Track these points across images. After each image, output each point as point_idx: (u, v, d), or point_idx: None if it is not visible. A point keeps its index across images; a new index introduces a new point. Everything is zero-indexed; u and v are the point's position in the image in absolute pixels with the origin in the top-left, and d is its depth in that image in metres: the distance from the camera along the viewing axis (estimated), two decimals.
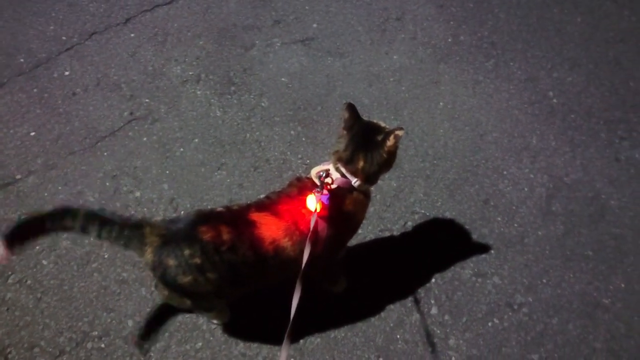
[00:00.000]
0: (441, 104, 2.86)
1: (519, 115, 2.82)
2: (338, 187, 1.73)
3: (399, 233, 2.35)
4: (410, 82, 2.95)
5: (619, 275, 2.25)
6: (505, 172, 2.58)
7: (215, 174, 2.52)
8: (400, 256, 2.28)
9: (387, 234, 2.34)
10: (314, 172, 1.79)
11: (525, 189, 2.52)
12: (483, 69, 3.05)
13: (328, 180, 1.73)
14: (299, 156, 2.59)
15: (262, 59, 3.03)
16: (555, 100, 2.89)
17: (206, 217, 1.65)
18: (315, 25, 3.24)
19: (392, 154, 1.77)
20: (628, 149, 2.67)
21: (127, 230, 1.56)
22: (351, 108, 1.73)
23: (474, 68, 3.05)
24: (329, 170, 1.76)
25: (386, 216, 2.39)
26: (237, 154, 2.59)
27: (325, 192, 1.69)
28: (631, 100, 2.86)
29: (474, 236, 2.36)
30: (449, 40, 3.20)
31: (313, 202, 1.67)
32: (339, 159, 1.74)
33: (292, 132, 2.69)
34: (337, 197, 1.73)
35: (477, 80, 2.99)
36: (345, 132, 1.76)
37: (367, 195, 1.84)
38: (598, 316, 2.16)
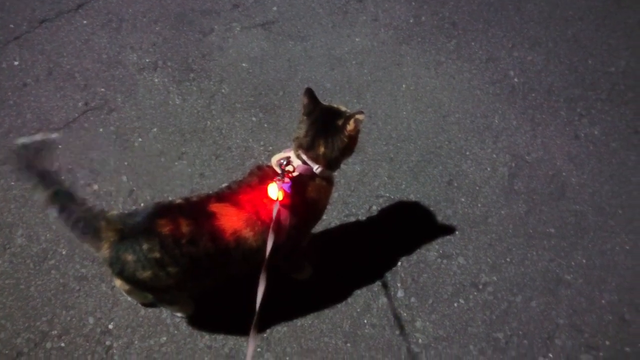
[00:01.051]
0: (404, 86, 2.85)
1: (481, 96, 2.82)
2: (299, 175, 1.70)
3: (364, 217, 2.33)
4: (373, 64, 2.93)
5: (580, 252, 2.29)
6: (468, 153, 2.59)
7: (176, 163, 2.46)
8: (365, 241, 2.27)
9: (352, 218, 2.32)
10: (274, 160, 1.75)
11: (488, 169, 2.53)
12: (445, 49, 3.04)
13: (289, 168, 1.70)
14: (261, 143, 2.55)
15: (221, 44, 2.95)
16: (516, 80, 2.90)
17: (165, 210, 1.61)
18: (275, 9, 3.18)
19: (353, 139, 1.75)
20: (587, 126, 2.71)
21: (82, 223, 1.50)
22: (310, 93, 1.70)
23: (436, 49, 3.04)
24: (290, 157, 1.73)
25: (351, 201, 2.37)
26: (197, 143, 2.53)
27: (286, 180, 1.66)
28: (590, 78, 2.90)
29: (439, 218, 2.36)
30: (411, 21, 3.17)
31: (275, 191, 1.64)
32: (300, 146, 1.71)
33: (253, 118, 2.64)
34: (299, 185, 1.70)
35: (439, 61, 2.98)
36: (305, 117, 1.73)
37: (329, 182, 1.82)
38: (561, 292, 2.20)
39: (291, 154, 1.74)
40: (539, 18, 3.18)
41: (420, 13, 3.22)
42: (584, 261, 2.27)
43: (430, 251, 2.26)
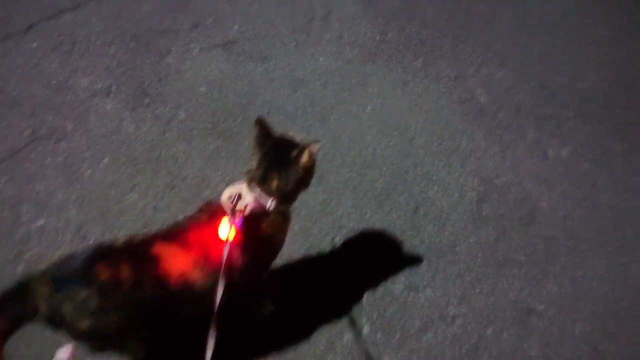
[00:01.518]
0: (369, 107, 2.75)
1: (448, 116, 2.74)
2: (252, 211, 1.59)
3: (327, 250, 2.22)
4: (337, 85, 2.83)
5: (551, 279, 2.20)
6: (434, 178, 2.49)
7: (128, 196, 2.33)
8: (328, 274, 2.15)
9: (314, 251, 2.21)
10: (225, 196, 1.64)
11: (456, 195, 2.44)
12: (412, 67, 2.95)
13: (241, 204, 1.59)
14: (219, 172, 2.42)
15: (179, 66, 2.83)
16: (484, 98, 2.82)
17: (104, 253, 1.48)
18: (236, 28, 3.07)
19: (308, 170, 1.65)
20: (557, 146, 2.64)
21: (10, 305, 1.40)
22: (261, 123, 1.60)
23: (403, 67, 2.95)
24: (241, 192, 1.63)
25: (313, 232, 2.26)
26: (151, 173, 2.40)
27: (238, 217, 1.55)
28: (559, 96, 2.83)
29: (405, 248, 2.26)
30: (377, 38, 3.08)
31: (225, 230, 1.53)
32: (252, 180, 1.61)
33: (211, 146, 2.52)
34: (252, 222, 1.59)
35: (405, 80, 2.89)
36: (257, 149, 1.63)
37: (285, 217, 1.71)
38: (532, 323, 2.10)
39: (243, 188, 1.63)
40: (507, 34, 3.12)
41: (386, 30, 3.13)
42: (556, 289, 2.18)
43: (397, 284, 2.15)
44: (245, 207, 1.58)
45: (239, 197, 1.60)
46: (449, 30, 3.14)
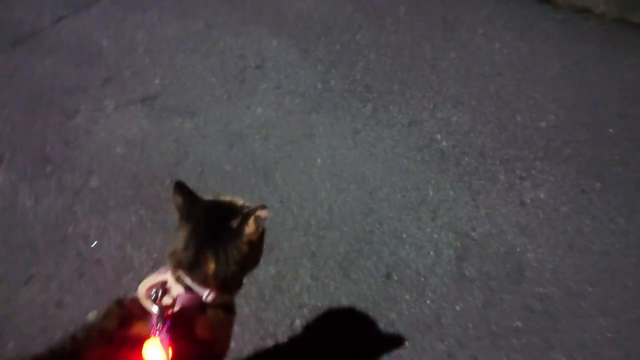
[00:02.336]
0: (318, 160, 2.39)
1: (408, 165, 2.42)
2: (182, 308, 1.14)
3: (285, 336, 1.77)
4: (280, 138, 2.46)
5: (557, 348, 1.84)
6: (404, 235, 2.13)
7: (23, 290, 1.79)
8: None
9: (269, 340, 1.75)
10: (143, 289, 1.18)
11: (431, 253, 2.08)
12: (361, 115, 2.64)
13: (166, 300, 1.14)
14: (143, 249, 1.95)
15: (89, 126, 2.37)
16: (444, 143, 2.54)
17: None
18: (157, 81, 2.67)
19: (256, 245, 1.24)
20: (531, 189, 2.36)
21: None
22: (182, 188, 1.19)
23: (351, 115, 2.63)
24: (166, 282, 1.18)
25: (267, 316, 1.80)
26: (54, 258, 1.89)
27: (164, 325, 1.09)
28: (522, 136, 2.60)
29: (381, 324, 1.84)
30: (319, 86, 2.77)
31: (156, 354, 1.07)
32: (179, 264, 1.17)
33: (132, 217, 2.05)
34: (184, 323, 1.14)
35: (355, 128, 2.57)
36: (182, 222, 1.20)
37: (229, 310, 1.27)
38: None
39: (168, 276, 1.19)
40: (456, 76, 2.90)
41: (328, 77, 2.83)
42: (564, 359, 1.82)
43: None
44: (173, 303, 1.13)
45: (164, 289, 1.16)
46: (395, 75, 2.88)
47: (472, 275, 2.02)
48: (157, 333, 1.06)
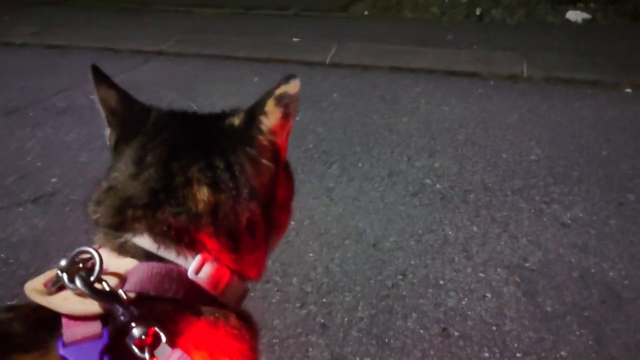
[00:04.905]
0: (293, 223, 1.76)
1: (407, 211, 1.86)
2: (141, 300, 0.43)
3: None
4: None
5: None
6: (441, 282, 1.49)
7: None
8: None
9: None
10: (37, 282, 0.46)
11: (488, 295, 1.44)
12: (328, 175, 2.11)
13: (111, 281, 0.48)
14: None
15: None
16: (439, 186, 2.04)
17: None
18: (55, 180, 2.00)
19: (279, 148, 0.61)
20: (564, 210, 1.88)
21: None
22: (106, 78, 0.59)
23: (317, 177, 2.10)
24: (89, 259, 0.47)
25: None
26: None
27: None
28: (519, 169, 2.18)
29: None
30: None
31: None
32: (124, 206, 0.54)
33: None
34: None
35: (328, 187, 2.02)
36: (122, 135, 0.53)
37: (245, 319, 0.55)
38: None
39: (94, 252, 0.47)
40: (419, 133, 2.52)
41: None
42: None
43: None
44: (121, 283, 0.49)
45: (93, 264, 0.48)
46: (352, 140, 2.46)
47: (557, 311, 1.38)
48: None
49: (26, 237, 1.67)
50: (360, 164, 2.21)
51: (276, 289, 1.45)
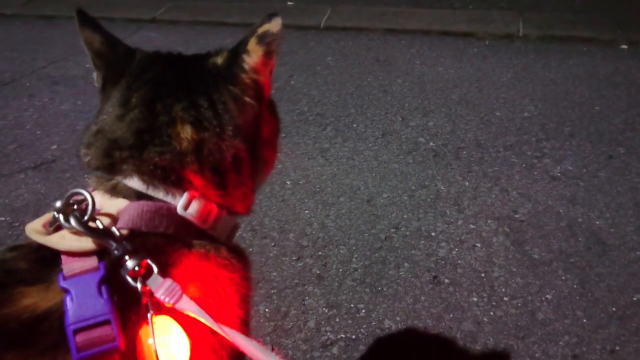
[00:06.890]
0: (288, 182, 1.81)
1: (401, 168, 1.89)
2: (135, 235, 0.47)
3: None
4: None
5: None
6: (433, 234, 1.53)
7: None
8: None
9: None
10: (36, 224, 0.50)
11: (478, 245, 1.48)
12: (323, 136, 2.14)
13: (103, 221, 0.51)
14: None
15: None
16: (432, 144, 2.07)
17: None
18: (55, 147, 2.04)
19: (263, 86, 0.64)
20: (554, 164, 1.92)
21: None
22: (92, 20, 0.64)
23: (312, 139, 2.12)
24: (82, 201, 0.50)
25: None
26: None
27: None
28: (512, 125, 2.21)
29: (459, 341, 1.16)
30: None
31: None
32: (112, 149, 0.58)
33: None
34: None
35: (322, 148, 2.05)
36: (107, 78, 0.56)
37: (236, 252, 0.59)
38: None
39: (87, 195, 0.51)
40: (412, 94, 2.54)
41: None
42: None
43: None
44: (113, 220, 0.53)
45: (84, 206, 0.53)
46: (346, 102, 2.47)
47: (544, 258, 1.43)
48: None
49: (29, 202, 1.71)
50: (354, 125, 2.24)
51: (273, 244, 1.49)
